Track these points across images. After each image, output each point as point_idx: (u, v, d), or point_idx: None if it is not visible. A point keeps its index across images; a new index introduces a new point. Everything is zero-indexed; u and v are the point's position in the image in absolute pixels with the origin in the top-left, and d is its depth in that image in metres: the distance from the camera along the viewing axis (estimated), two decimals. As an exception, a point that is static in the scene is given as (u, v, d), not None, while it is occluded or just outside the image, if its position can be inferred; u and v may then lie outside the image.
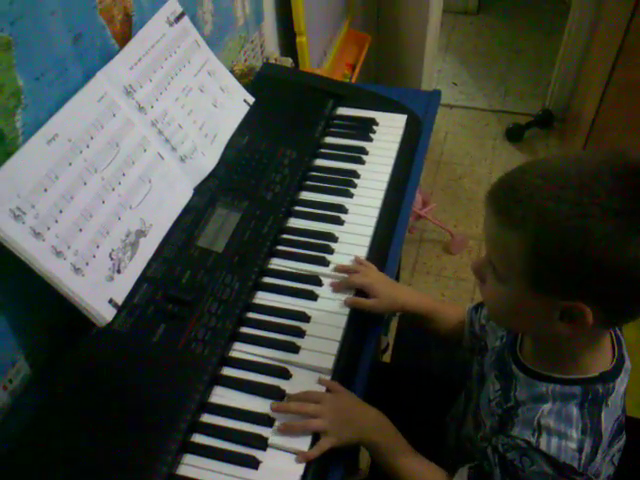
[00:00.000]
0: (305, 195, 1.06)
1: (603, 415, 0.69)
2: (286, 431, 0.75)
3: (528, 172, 0.65)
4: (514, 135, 2.65)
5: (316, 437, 0.76)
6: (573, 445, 0.67)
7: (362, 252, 0.97)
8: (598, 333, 0.69)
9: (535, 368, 0.73)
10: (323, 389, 0.80)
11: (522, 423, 0.70)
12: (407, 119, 1.20)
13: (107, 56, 0.91)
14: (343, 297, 0.90)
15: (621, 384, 0.71)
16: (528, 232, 0.62)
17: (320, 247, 0.97)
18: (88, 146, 0.84)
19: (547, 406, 0.69)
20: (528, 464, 0.68)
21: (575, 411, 0.68)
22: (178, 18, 1.04)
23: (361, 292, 0.92)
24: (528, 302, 0.66)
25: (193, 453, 0.74)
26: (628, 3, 1.79)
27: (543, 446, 0.67)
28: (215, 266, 0.90)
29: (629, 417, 0.77)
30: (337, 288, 0.91)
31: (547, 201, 0.60)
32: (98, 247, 0.83)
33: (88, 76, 0.87)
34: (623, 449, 0.77)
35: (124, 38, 0.95)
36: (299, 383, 0.80)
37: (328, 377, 0.81)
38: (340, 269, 0.94)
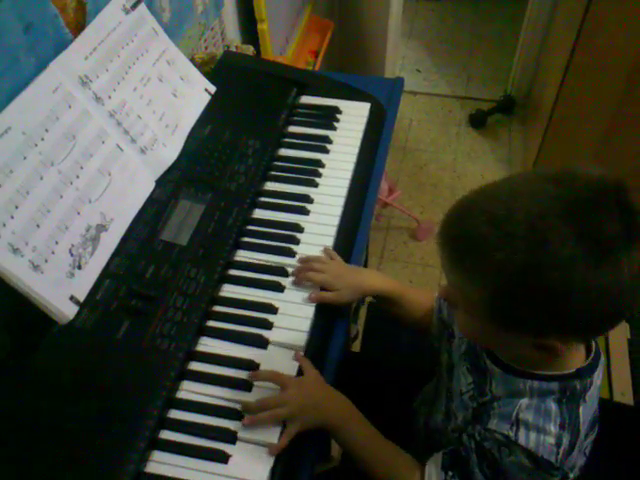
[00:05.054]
0: (270, 185, 1.05)
1: (581, 410, 0.70)
2: (252, 425, 0.74)
3: (474, 214, 0.62)
4: (477, 121, 2.67)
5: (284, 426, 0.75)
6: (551, 440, 0.67)
7: (328, 242, 0.97)
8: None
9: (512, 364, 0.73)
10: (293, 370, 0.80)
11: (499, 416, 0.71)
12: (371, 107, 1.20)
13: (61, 46, 0.88)
14: (310, 289, 0.90)
15: (597, 378, 0.72)
16: (485, 285, 0.62)
17: (286, 238, 0.96)
18: (43, 139, 0.81)
19: (525, 400, 0.70)
20: (506, 454, 0.69)
21: (554, 406, 0.69)
22: (134, 5, 1.01)
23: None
24: (501, 335, 0.67)
25: (161, 450, 0.73)
26: (585, -11, 1.81)
27: (521, 440, 0.68)
28: (179, 260, 0.88)
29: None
30: (298, 284, 0.90)
31: (499, 252, 0.59)
32: (57, 243, 0.80)
33: (41, 67, 0.84)
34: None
35: (78, 27, 0.92)
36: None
37: (295, 369, 0.81)
38: (298, 270, 0.91)
